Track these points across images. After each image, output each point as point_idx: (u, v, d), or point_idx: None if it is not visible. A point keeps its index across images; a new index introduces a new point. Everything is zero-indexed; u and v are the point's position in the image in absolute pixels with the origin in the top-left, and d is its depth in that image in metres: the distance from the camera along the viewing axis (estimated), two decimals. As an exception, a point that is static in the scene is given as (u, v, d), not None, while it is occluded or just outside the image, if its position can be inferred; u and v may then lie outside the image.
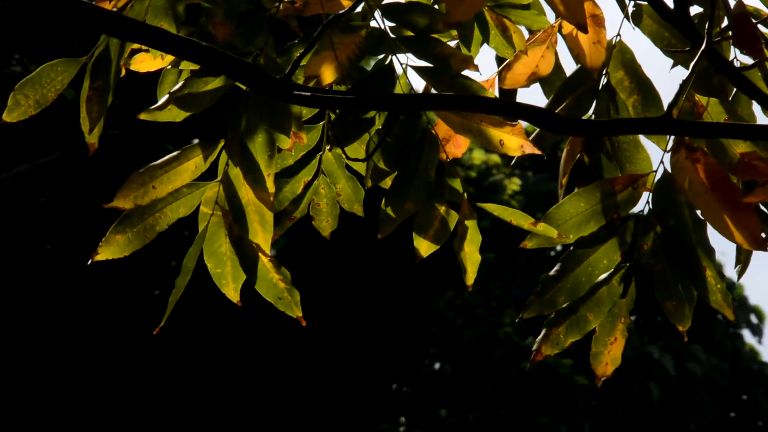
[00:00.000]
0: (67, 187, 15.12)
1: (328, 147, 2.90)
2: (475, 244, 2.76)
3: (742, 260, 2.91)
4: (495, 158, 20.73)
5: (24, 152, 13.73)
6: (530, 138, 2.78)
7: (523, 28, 2.89)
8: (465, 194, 2.76)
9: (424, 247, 2.77)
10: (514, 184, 20.92)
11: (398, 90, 2.78)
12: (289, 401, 17.07)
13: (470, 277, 2.77)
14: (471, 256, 2.77)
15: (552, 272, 2.73)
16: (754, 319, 23.68)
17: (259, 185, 2.67)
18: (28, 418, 15.62)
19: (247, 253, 2.68)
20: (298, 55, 2.69)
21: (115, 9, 2.68)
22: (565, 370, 18.80)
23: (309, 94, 2.48)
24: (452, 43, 2.88)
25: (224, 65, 2.47)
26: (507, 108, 2.66)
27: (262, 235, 2.69)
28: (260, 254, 2.69)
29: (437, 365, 18.61)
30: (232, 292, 2.72)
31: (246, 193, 2.68)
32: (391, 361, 17.96)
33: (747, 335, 24.10)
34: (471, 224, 2.75)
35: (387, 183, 2.78)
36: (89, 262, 2.66)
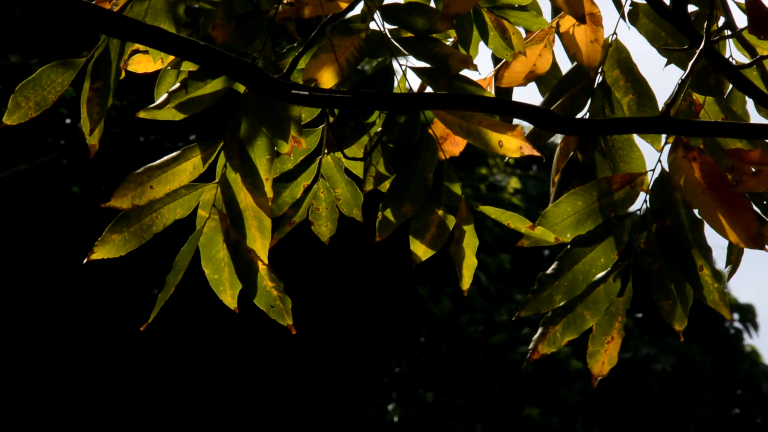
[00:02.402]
0: (65, 187, 15.12)
1: (326, 150, 2.89)
2: (472, 248, 2.73)
3: (733, 260, 2.91)
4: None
5: (23, 152, 13.73)
6: (525, 135, 2.78)
7: (521, 29, 2.89)
8: (462, 196, 2.75)
9: (421, 251, 2.75)
10: (514, 182, 20.86)
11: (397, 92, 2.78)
12: (286, 388, 17.08)
13: (466, 282, 2.74)
14: (467, 260, 2.74)
15: (549, 270, 2.73)
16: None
17: (257, 190, 2.65)
18: (26, 417, 15.62)
19: (243, 259, 2.66)
20: (296, 55, 2.69)
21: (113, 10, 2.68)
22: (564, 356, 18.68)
23: (307, 93, 2.48)
24: (449, 42, 2.88)
25: (222, 65, 2.47)
26: (503, 107, 2.66)
27: (260, 241, 2.66)
28: (257, 261, 2.67)
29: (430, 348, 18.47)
30: (229, 298, 2.70)
31: (244, 198, 2.66)
32: (386, 345, 17.95)
33: (745, 335, 24.09)
34: (468, 228, 2.73)
35: (385, 187, 2.76)
36: (84, 261, 2.65)
